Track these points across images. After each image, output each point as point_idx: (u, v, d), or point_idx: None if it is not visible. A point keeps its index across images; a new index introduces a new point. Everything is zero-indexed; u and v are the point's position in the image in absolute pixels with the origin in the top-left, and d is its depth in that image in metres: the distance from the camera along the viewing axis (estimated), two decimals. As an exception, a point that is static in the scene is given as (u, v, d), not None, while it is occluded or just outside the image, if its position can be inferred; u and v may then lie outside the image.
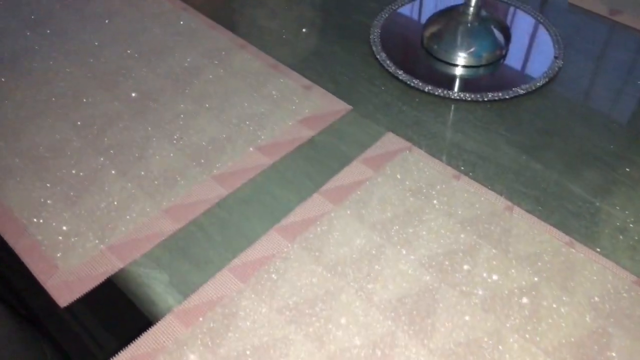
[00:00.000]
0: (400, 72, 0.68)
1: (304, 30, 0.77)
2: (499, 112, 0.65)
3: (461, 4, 0.71)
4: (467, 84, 0.68)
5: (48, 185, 0.57)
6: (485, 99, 0.65)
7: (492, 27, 0.71)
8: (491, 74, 0.70)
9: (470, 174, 0.58)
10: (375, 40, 0.73)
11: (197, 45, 0.73)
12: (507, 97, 0.66)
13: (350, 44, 0.74)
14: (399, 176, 0.57)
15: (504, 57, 0.71)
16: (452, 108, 0.66)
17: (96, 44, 0.73)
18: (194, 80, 0.68)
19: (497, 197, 0.55)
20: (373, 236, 0.52)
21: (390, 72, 0.69)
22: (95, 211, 0.54)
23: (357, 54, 0.73)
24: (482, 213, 0.54)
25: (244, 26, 0.77)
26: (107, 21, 0.77)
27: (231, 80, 0.68)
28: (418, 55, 0.73)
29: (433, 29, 0.72)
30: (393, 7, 0.78)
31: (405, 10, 0.79)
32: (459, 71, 0.70)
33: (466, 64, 0.70)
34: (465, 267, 0.50)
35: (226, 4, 0.81)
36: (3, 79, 0.68)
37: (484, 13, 0.70)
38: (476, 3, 0.69)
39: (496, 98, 0.65)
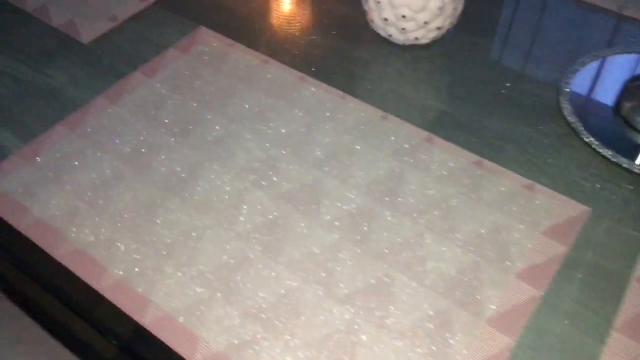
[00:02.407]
0: (623, 159, 0.62)
1: (479, 111, 0.69)
2: None
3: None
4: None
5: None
6: None
7: None
8: None
9: None
10: (571, 117, 0.66)
11: (380, 143, 0.65)
12: None
13: (540, 123, 0.67)
14: (693, 297, 0.51)
15: None
16: (694, 197, 0.60)
17: (258, 152, 0.64)
18: (398, 192, 0.60)
19: None
20: None
21: (603, 156, 0.62)
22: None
23: (553, 135, 0.66)
24: None
25: (417, 113, 0.69)
26: (262, 120, 0.67)
27: (443, 188, 0.60)
28: (618, 129, 0.66)
29: (635, 100, 0.66)
30: (568, 75, 0.71)
31: (583, 77, 0.72)
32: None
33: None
34: None
35: (380, 89, 0.73)
36: (164, 204, 0.58)
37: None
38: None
39: None
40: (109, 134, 0.66)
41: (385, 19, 0.72)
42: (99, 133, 0.66)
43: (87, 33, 0.79)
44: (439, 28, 0.73)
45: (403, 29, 0.72)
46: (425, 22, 0.71)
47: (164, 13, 0.83)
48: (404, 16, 0.70)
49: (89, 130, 0.66)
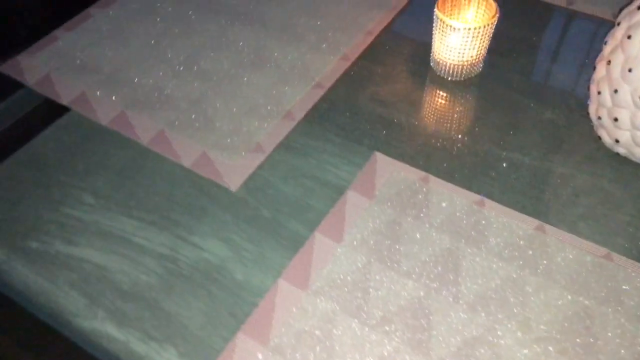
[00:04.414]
0: None
1: None
2: None
3: None
4: None
5: None
6: None
7: None
8: None
9: None
10: None
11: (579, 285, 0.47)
12: None
13: None
14: None
15: None
16: None
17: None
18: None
19: None
20: None
21: None
22: None
23: None
24: None
25: None
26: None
27: None
28: None
29: None
30: None
31: None
32: None
33: None
34: None
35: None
36: None
37: None
38: None
39: None
40: (306, 350, 0.48)
41: (646, 144, 0.54)
42: (293, 349, 0.48)
43: (232, 175, 0.61)
44: None
45: (670, 154, 0.54)
46: None
47: (313, 131, 0.65)
48: (679, 143, 0.53)
49: (276, 341, 0.49)
